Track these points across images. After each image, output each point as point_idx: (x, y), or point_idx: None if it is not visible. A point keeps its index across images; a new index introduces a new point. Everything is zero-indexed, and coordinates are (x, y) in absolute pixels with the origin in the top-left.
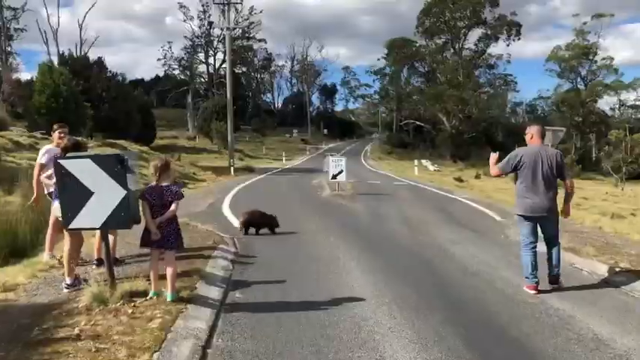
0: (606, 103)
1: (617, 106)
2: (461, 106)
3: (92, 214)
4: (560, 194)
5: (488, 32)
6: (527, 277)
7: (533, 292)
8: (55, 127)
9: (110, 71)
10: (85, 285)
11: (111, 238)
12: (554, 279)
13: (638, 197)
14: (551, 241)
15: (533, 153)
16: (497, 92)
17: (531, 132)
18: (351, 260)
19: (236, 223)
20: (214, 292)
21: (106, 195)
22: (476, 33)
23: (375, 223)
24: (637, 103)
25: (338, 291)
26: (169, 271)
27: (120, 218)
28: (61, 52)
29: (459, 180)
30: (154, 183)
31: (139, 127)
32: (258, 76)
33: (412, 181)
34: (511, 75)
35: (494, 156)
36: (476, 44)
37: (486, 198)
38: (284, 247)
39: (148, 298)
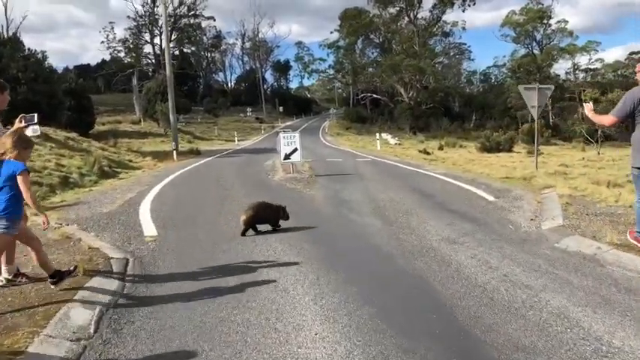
0: (561, 67)
1: (572, 70)
2: (418, 76)
3: None
4: None
5: None
6: None
7: None
8: None
9: (29, 49)
10: None
11: None
12: None
13: (618, 162)
14: None
15: None
16: (452, 61)
17: None
18: (306, 292)
19: (150, 227)
20: None
21: None
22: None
23: (339, 216)
24: (590, 66)
25: None
26: None
27: None
28: None
29: (425, 152)
30: None
31: (71, 112)
32: (209, 55)
33: (376, 157)
34: (465, 44)
35: (589, 106)
36: (431, 11)
37: (464, 172)
38: (201, 271)
39: None
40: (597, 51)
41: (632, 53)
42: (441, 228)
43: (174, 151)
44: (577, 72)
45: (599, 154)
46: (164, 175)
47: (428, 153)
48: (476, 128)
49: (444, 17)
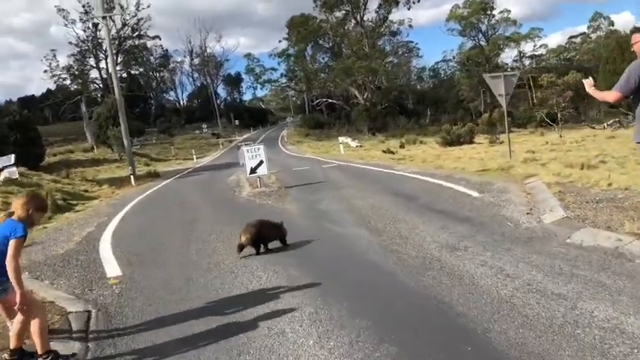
0: (508, 56)
1: (518, 58)
2: (371, 77)
3: None
4: None
5: None
6: None
7: None
8: None
9: None
10: None
11: None
12: None
13: (582, 143)
14: None
15: None
16: (401, 60)
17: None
18: (307, 333)
19: (113, 266)
20: None
21: None
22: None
23: (321, 229)
24: (535, 53)
25: None
26: None
27: None
28: None
29: (389, 152)
30: None
31: (17, 146)
32: (157, 75)
33: (342, 161)
34: (412, 42)
35: (589, 82)
36: (377, 12)
37: (437, 169)
38: (177, 317)
39: None
40: (540, 37)
41: (571, 37)
42: (435, 233)
43: (132, 176)
44: (523, 59)
45: (560, 137)
46: (123, 203)
47: (392, 152)
48: (432, 123)
49: (390, 17)
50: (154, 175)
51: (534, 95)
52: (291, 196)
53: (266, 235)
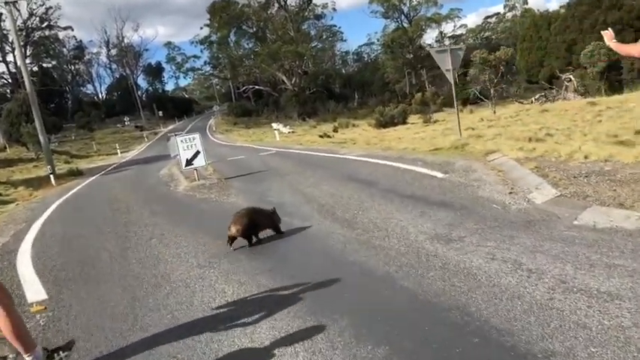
0: (429, 37)
1: (440, 38)
2: (298, 62)
3: None
4: None
5: None
6: None
7: None
8: None
9: None
10: None
11: None
12: None
13: (516, 118)
14: None
15: None
16: (325, 45)
17: None
18: None
19: (36, 287)
20: None
21: None
22: None
23: (283, 226)
24: (455, 33)
25: None
26: None
27: None
28: None
29: (327, 136)
30: None
31: None
32: (72, 67)
33: (280, 148)
34: (336, 26)
35: (608, 34)
36: None
37: (385, 150)
38: (124, 354)
39: None
40: (460, 18)
41: (487, 17)
42: (416, 221)
43: (52, 175)
44: (444, 39)
45: (494, 113)
46: (44, 206)
47: (329, 136)
48: (360, 107)
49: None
50: (77, 173)
51: (458, 73)
52: (235, 188)
53: (259, 224)
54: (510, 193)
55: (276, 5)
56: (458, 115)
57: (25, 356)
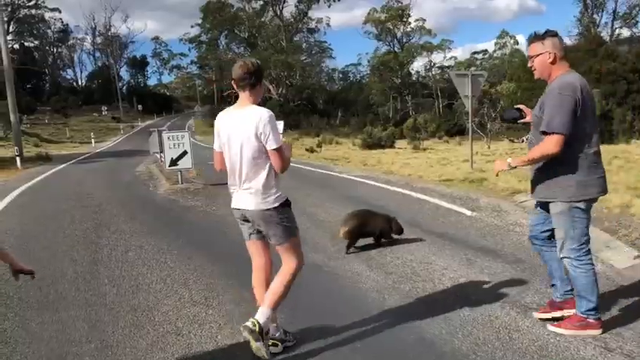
0: (419, 65)
1: (429, 67)
2: (287, 73)
3: None
4: None
5: None
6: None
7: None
8: None
9: None
10: None
11: None
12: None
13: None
14: None
15: (585, 87)
16: (314, 59)
17: (549, 49)
18: None
19: None
20: None
21: None
22: None
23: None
24: (445, 63)
25: None
26: None
27: None
28: None
29: (311, 150)
30: None
31: None
32: (55, 50)
33: None
34: (326, 42)
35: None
36: (296, 6)
37: (386, 174)
38: None
39: None
40: (450, 49)
41: (474, 52)
42: (469, 274)
43: (18, 158)
44: (433, 69)
45: (489, 147)
46: (4, 191)
47: (315, 151)
48: (342, 125)
49: (310, 14)
50: (46, 159)
51: (441, 106)
52: (223, 197)
53: (370, 228)
54: None
55: (272, 13)
56: (471, 144)
57: None
